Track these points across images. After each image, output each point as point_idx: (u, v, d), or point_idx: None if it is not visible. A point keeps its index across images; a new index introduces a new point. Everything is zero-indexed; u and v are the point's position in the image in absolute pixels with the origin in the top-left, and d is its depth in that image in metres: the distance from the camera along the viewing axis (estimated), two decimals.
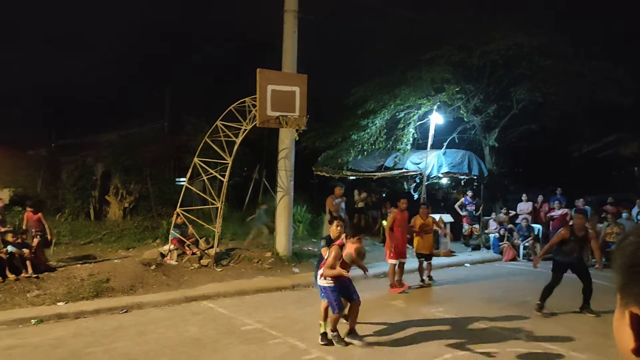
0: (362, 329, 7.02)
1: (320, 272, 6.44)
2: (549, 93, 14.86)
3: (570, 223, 9.76)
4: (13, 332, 6.96)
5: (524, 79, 15.10)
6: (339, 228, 6.84)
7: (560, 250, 8.11)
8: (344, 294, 6.43)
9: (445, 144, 15.86)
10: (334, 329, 6.42)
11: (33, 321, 7.33)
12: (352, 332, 6.57)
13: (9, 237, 9.17)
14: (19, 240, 9.21)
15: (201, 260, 10.75)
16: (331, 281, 6.28)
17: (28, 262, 8.88)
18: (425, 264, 10.28)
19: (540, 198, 15.45)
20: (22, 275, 8.71)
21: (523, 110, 15.75)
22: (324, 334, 6.46)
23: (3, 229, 9.62)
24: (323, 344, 6.36)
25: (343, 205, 11.64)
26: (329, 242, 6.73)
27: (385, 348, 6.37)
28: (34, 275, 8.80)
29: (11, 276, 8.58)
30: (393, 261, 9.56)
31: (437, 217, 13.76)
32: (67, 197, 16.14)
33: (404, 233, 9.86)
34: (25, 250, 8.98)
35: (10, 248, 8.83)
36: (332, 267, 6.20)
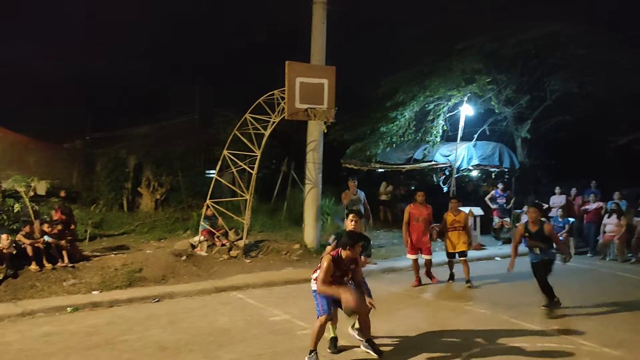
0: (389, 321, 7.02)
1: (314, 275, 5.83)
2: (584, 83, 14.46)
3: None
4: (50, 319, 7.20)
5: (559, 68, 14.72)
6: (353, 222, 6.25)
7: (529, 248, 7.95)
8: (335, 303, 5.65)
9: (475, 136, 15.63)
10: (314, 347, 5.56)
11: (69, 309, 7.57)
12: (368, 341, 5.88)
13: (46, 228, 9.46)
14: (55, 231, 9.49)
15: (230, 252, 10.89)
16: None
17: (64, 252, 9.15)
18: (455, 262, 9.57)
19: (573, 191, 15.06)
20: (59, 264, 8.98)
21: (557, 101, 15.37)
22: (334, 340, 5.98)
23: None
24: (331, 352, 5.88)
25: (362, 197, 10.91)
26: (339, 238, 6.03)
27: (412, 340, 6.35)
28: (70, 265, 9.07)
29: (48, 265, 8.85)
30: (411, 256, 9.36)
31: (466, 209, 13.63)
32: (101, 189, 16.52)
33: (420, 228, 9.29)
34: (62, 241, 9.26)
35: (47, 238, 9.11)
36: (324, 281, 5.47)
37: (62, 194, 12.43)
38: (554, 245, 7.84)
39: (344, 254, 5.55)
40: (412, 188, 18.08)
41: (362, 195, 10.95)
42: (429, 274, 9.57)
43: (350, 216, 6.33)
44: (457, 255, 9.50)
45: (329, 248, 6.13)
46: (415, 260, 9.38)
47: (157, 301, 8.15)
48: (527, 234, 7.80)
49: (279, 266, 10.45)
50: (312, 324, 6.84)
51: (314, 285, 5.78)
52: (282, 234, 12.95)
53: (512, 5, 14.75)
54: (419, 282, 9.36)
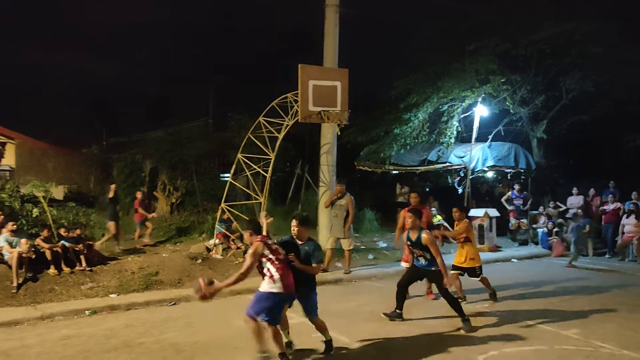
0: (405, 322, 7.01)
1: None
2: (601, 82, 14.28)
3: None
4: (69, 322, 7.30)
5: (574, 67, 14.56)
6: (294, 229, 5.83)
7: None
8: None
9: (490, 136, 15.51)
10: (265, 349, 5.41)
11: (87, 312, 7.67)
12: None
13: (63, 232, 9.60)
14: (74, 235, 9.62)
15: (245, 255, 10.91)
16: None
17: (82, 256, 9.27)
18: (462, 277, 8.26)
19: (592, 191, 14.88)
20: (77, 268, 9.10)
21: (573, 101, 15.20)
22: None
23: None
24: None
25: (346, 202, 10.21)
26: (281, 244, 5.77)
27: (428, 342, 6.31)
28: (88, 269, 9.18)
29: (66, 269, 8.98)
30: (404, 264, 8.45)
31: (482, 211, 13.54)
32: (118, 193, 16.69)
33: None
34: (79, 245, 9.37)
35: (64, 243, 9.23)
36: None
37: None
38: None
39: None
40: (427, 190, 18.00)
41: (349, 200, 10.25)
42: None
43: (292, 222, 5.91)
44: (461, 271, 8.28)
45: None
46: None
47: (174, 304, 8.22)
48: (408, 242, 6.98)
49: None
50: (330, 326, 6.87)
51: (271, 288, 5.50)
52: None
53: (524, 5, 14.62)
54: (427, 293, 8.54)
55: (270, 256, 5.43)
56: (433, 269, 6.84)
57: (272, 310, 5.40)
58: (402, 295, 7.25)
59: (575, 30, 13.76)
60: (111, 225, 11.55)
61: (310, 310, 5.95)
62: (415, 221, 6.84)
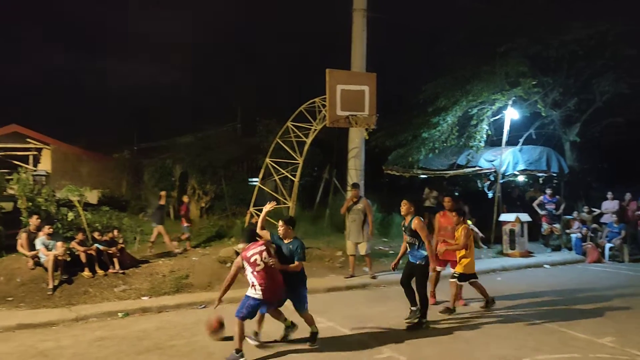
0: (432, 329, 6.93)
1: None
2: (636, 84, 13.91)
3: None
4: (102, 324, 7.47)
5: (608, 69, 14.22)
6: (280, 229, 6.40)
7: None
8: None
9: (521, 140, 15.25)
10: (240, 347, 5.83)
11: (120, 314, 7.83)
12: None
13: (97, 235, 9.82)
14: (107, 239, 9.84)
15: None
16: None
17: (115, 259, 9.47)
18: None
19: (628, 196, 14.46)
20: (110, 270, 9.30)
21: (607, 103, 14.84)
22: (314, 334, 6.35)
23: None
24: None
25: (364, 206, 10.11)
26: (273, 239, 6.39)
27: (457, 349, 6.24)
28: (121, 271, 9.38)
29: (100, 272, 9.19)
30: (439, 268, 8.27)
31: (513, 216, 13.31)
32: (149, 198, 16.99)
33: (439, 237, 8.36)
34: (112, 248, 9.58)
35: (98, 246, 9.45)
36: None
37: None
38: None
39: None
40: (456, 194, 17.79)
41: (365, 203, 10.18)
42: (432, 292, 8.39)
43: (279, 223, 6.45)
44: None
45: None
46: (439, 273, 8.44)
47: (204, 307, 8.31)
48: (403, 227, 7.21)
49: (322, 273, 10.46)
50: (356, 331, 6.87)
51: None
52: (324, 241, 12.96)
53: (555, 6, 14.37)
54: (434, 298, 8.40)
55: (249, 268, 5.95)
56: (417, 262, 7.03)
57: (245, 307, 5.92)
58: (410, 291, 7.21)
59: (608, 31, 13.45)
60: (160, 228, 11.95)
61: (299, 305, 6.34)
62: (407, 206, 7.13)
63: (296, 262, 6.23)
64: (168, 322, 7.54)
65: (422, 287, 7.04)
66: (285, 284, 6.14)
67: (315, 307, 8.26)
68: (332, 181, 17.11)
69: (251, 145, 17.88)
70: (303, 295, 6.37)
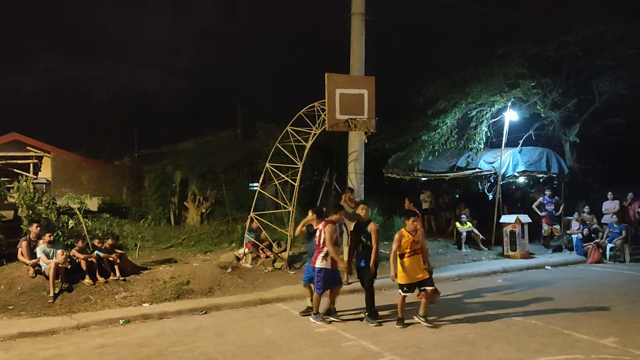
0: (437, 331, 6.92)
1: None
2: (635, 84, 13.91)
3: None
4: (103, 331, 7.45)
5: (607, 70, 14.23)
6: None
7: None
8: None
9: (521, 141, 15.24)
10: (317, 310, 7.55)
11: (121, 321, 7.81)
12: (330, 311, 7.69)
13: (97, 243, 9.81)
14: (107, 246, 9.82)
15: (274, 264, 10.99)
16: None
17: (116, 266, 9.45)
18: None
19: (630, 195, 14.44)
20: (111, 278, 9.28)
21: (606, 103, 14.84)
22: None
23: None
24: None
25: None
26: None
27: (461, 352, 6.21)
28: (121, 278, 9.35)
29: (101, 279, 9.16)
30: None
31: (514, 217, 13.30)
32: (149, 204, 16.99)
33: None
34: (113, 255, 9.57)
35: (98, 253, 9.44)
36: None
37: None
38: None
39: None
40: (457, 196, 17.77)
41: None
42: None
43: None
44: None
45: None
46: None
47: (205, 313, 8.30)
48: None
49: None
50: (358, 335, 6.85)
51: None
52: None
53: (553, 7, 14.39)
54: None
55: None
56: (362, 264, 7.73)
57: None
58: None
59: (607, 32, 13.46)
60: None
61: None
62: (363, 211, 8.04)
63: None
64: (169, 328, 7.52)
65: (369, 289, 7.77)
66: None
67: None
68: (332, 185, 17.11)
69: (251, 150, 17.90)
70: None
